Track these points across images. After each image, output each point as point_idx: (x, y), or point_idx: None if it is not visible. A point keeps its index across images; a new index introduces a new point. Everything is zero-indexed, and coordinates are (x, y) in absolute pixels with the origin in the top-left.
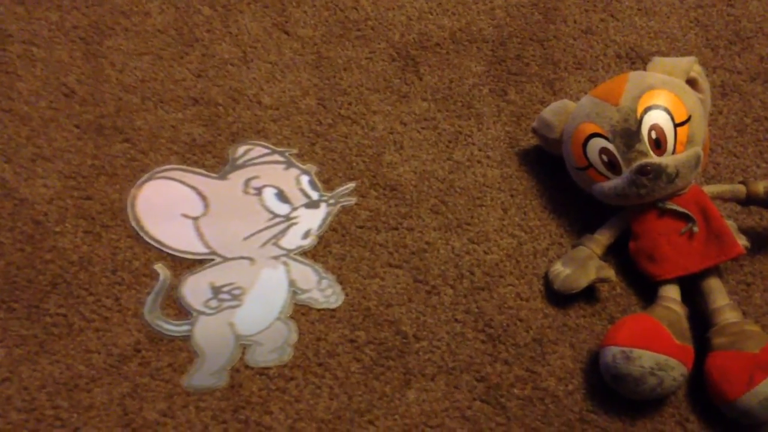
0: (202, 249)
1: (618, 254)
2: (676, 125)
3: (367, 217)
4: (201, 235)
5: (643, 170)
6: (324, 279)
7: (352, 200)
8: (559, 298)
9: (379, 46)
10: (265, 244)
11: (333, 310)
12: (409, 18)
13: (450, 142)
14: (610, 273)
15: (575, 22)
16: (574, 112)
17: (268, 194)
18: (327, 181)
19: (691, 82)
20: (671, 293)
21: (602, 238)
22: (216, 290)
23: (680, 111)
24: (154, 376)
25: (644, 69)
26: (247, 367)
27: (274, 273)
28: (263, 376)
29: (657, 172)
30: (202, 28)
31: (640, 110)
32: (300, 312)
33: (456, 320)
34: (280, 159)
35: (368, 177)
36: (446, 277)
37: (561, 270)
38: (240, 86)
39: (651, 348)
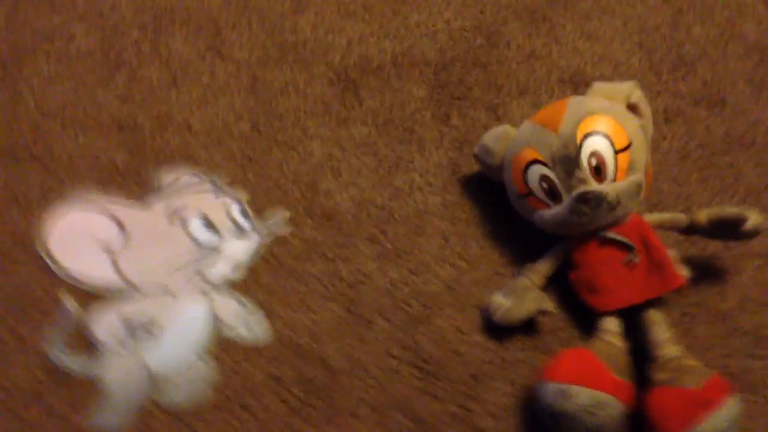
0: (118, 282)
1: (559, 285)
2: (616, 152)
3: (302, 247)
4: (118, 268)
5: (583, 198)
6: (252, 314)
7: (287, 229)
8: (498, 330)
9: (318, 69)
10: (189, 277)
11: (260, 347)
12: (350, 41)
13: (390, 168)
14: (550, 305)
15: (518, 46)
16: (514, 139)
17: (195, 224)
18: (260, 210)
19: (632, 108)
20: (612, 326)
21: (543, 267)
22: (131, 327)
23: (620, 137)
24: (57, 417)
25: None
26: (160, 408)
27: (196, 308)
28: (179, 418)
29: (598, 200)
30: (130, 51)
31: (579, 136)
32: (223, 349)
33: (391, 355)
34: (210, 187)
35: (304, 205)
36: (382, 309)
37: (502, 302)
38: (169, 110)
39: (588, 384)
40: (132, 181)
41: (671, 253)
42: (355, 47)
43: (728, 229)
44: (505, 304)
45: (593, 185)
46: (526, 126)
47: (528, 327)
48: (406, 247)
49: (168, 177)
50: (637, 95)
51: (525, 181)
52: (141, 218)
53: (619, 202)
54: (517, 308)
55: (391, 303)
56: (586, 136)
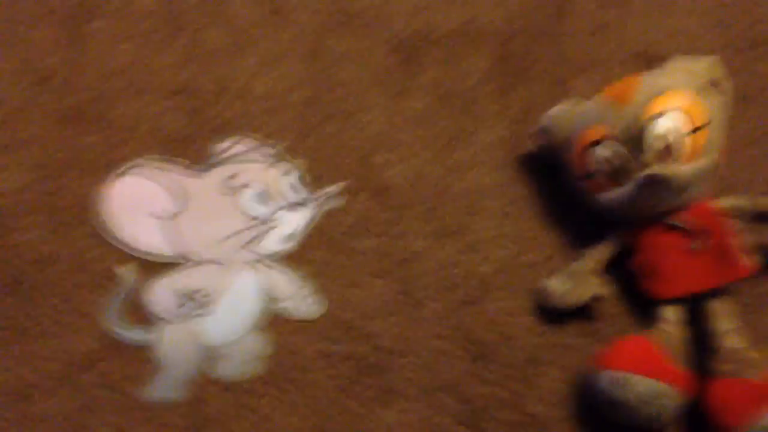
0: (171, 252)
1: (617, 271)
2: (691, 131)
3: (354, 221)
4: (171, 237)
5: (649, 180)
6: (302, 287)
7: (340, 202)
8: (552, 315)
9: (380, 37)
10: (241, 247)
11: (310, 321)
12: (415, 7)
13: (448, 142)
14: (606, 290)
15: (590, 17)
16: (579, 115)
17: (249, 193)
18: (314, 181)
19: (714, 84)
20: (672, 314)
21: (601, 253)
22: (184, 297)
23: (698, 115)
24: (111, 388)
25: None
26: (212, 380)
27: (248, 280)
28: (229, 391)
29: (665, 182)
30: (192, 13)
31: (653, 113)
32: (275, 323)
33: (441, 336)
34: (266, 155)
35: (359, 177)
36: (432, 289)
37: (558, 286)
38: (229, 75)
39: (645, 373)
40: (188, 147)
41: (742, 241)
42: (420, 14)
43: None
44: (562, 287)
45: (662, 166)
46: (594, 102)
47: (582, 313)
48: (459, 226)
49: (224, 144)
50: (719, 71)
51: (589, 161)
52: (195, 186)
53: (689, 185)
54: (574, 292)
55: (442, 283)
56: (660, 113)
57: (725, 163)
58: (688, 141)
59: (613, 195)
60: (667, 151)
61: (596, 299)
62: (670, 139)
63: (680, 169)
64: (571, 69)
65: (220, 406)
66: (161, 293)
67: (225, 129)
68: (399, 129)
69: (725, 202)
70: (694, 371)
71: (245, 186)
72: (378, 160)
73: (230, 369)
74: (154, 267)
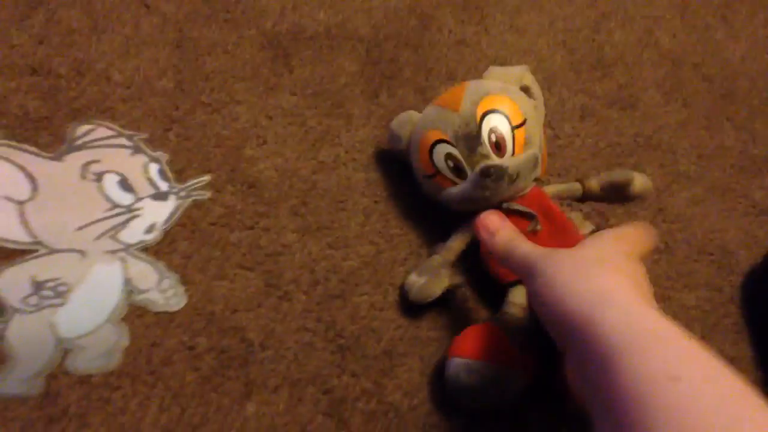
0: (25, 238)
1: (470, 262)
2: (513, 128)
3: (221, 213)
4: (25, 222)
5: (486, 172)
6: (165, 278)
7: (206, 194)
8: (413, 309)
9: (249, 32)
10: (100, 236)
11: (173, 313)
12: (284, 7)
13: (317, 140)
14: (460, 281)
15: (450, 31)
16: (418, 122)
17: (110, 181)
18: (179, 172)
19: (524, 90)
20: (518, 297)
21: (454, 244)
22: (37, 285)
23: (516, 114)
24: None
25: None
26: (67, 373)
27: (108, 269)
28: (85, 384)
29: (499, 172)
30: None
31: (479, 114)
32: (135, 314)
33: (306, 329)
34: (127, 143)
35: (226, 171)
36: (300, 282)
37: (415, 280)
38: (88, 58)
39: (490, 359)
40: (43, 130)
41: (575, 215)
42: (289, 14)
43: (618, 193)
44: (419, 281)
45: (495, 159)
46: (429, 109)
47: (441, 307)
48: (327, 222)
49: (82, 129)
50: (529, 78)
51: (431, 161)
52: (51, 170)
53: (518, 175)
54: (431, 285)
55: (309, 276)
56: (485, 114)
57: (546, 158)
58: (512, 136)
59: (456, 189)
60: (498, 146)
61: (455, 288)
62: (499, 134)
63: (511, 159)
64: (432, 79)
65: (74, 400)
66: (13, 281)
67: (83, 114)
68: (268, 124)
69: (553, 188)
70: (538, 351)
71: (106, 173)
72: (247, 153)
73: (86, 361)
74: (6, 253)
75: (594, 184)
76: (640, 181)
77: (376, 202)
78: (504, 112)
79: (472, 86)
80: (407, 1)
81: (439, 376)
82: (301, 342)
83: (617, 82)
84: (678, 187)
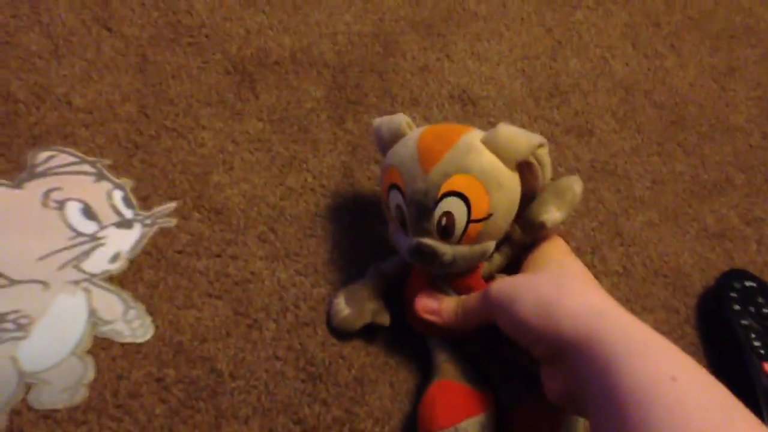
0: None
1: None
2: (470, 220)
3: (188, 241)
4: None
5: (419, 249)
6: (131, 309)
7: (172, 221)
8: (382, 334)
9: (213, 56)
10: (63, 266)
11: (140, 344)
12: (248, 31)
13: (284, 166)
14: (385, 318)
15: (413, 58)
16: (398, 146)
17: (72, 209)
18: (144, 199)
19: (525, 165)
20: (436, 344)
21: (388, 269)
22: None
23: (481, 208)
24: None
25: (476, 111)
26: (30, 408)
27: (71, 300)
28: (49, 419)
29: (432, 255)
30: (7, 13)
31: (442, 191)
32: (100, 346)
33: (277, 357)
34: (90, 170)
35: (192, 197)
36: (269, 310)
37: (341, 309)
38: (47, 83)
39: (471, 413)
40: (1, 156)
41: None
42: (254, 39)
43: (530, 228)
44: (343, 311)
45: (433, 242)
46: (410, 144)
47: (409, 331)
48: (296, 248)
49: (43, 155)
50: (541, 153)
51: (388, 196)
52: (11, 199)
53: (454, 263)
54: (352, 319)
55: (279, 304)
56: (448, 193)
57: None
58: (465, 227)
59: (397, 237)
60: (445, 231)
61: (377, 324)
62: (450, 221)
63: (447, 248)
64: (396, 104)
65: None
66: None
67: (43, 140)
68: (235, 150)
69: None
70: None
71: (69, 200)
72: (213, 179)
73: (50, 396)
74: None
75: (516, 232)
76: (547, 215)
77: (344, 228)
78: (470, 200)
79: (459, 148)
80: (371, 27)
81: (411, 404)
82: (271, 371)
83: (574, 109)
84: (634, 212)
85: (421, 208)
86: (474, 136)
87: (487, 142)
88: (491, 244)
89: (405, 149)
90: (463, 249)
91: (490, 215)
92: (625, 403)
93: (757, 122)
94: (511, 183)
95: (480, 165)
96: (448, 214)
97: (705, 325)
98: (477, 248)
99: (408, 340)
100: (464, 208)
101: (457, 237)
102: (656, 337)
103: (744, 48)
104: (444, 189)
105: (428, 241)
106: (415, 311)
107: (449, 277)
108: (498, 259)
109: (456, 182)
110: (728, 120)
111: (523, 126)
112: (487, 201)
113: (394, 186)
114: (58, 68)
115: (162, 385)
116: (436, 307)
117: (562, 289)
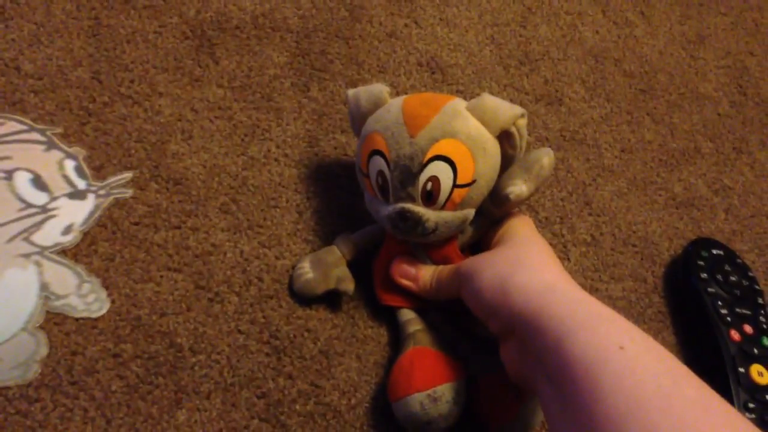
0: None
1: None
2: (455, 185)
3: (145, 212)
4: None
5: (402, 215)
6: (86, 283)
7: (128, 192)
8: (349, 306)
9: (170, 20)
10: (13, 238)
11: (95, 319)
12: None
13: (246, 135)
14: (349, 286)
15: (380, 24)
16: (379, 112)
17: (22, 179)
18: (98, 169)
19: (505, 135)
20: (411, 314)
21: (358, 240)
22: None
23: (467, 173)
24: None
25: (444, 79)
26: None
27: (21, 274)
28: (0, 397)
29: (415, 221)
30: None
31: (428, 155)
32: (53, 321)
33: (239, 331)
34: (40, 138)
35: (149, 167)
36: (232, 283)
37: (305, 271)
38: None
39: (447, 379)
40: None
41: None
42: (213, 1)
43: (497, 200)
44: (307, 274)
45: (418, 207)
46: (394, 110)
47: (378, 305)
48: (259, 220)
49: None
50: (520, 124)
51: (367, 163)
52: None
53: (436, 230)
54: (315, 283)
55: (242, 276)
56: (434, 158)
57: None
58: (450, 192)
59: (375, 205)
60: (430, 195)
61: (340, 293)
62: (436, 185)
63: (431, 214)
64: (363, 72)
65: None
66: None
67: None
68: (194, 118)
69: (460, 240)
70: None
71: (17, 170)
72: (171, 149)
73: (1, 373)
74: None
75: (487, 202)
76: (513, 189)
77: (309, 198)
78: (456, 164)
79: (445, 114)
80: None
81: (378, 377)
82: (233, 345)
83: (543, 77)
84: (603, 181)
85: (406, 173)
86: (459, 102)
87: (472, 110)
88: (472, 212)
89: (389, 114)
90: (446, 215)
91: (474, 181)
92: (575, 375)
93: (725, 91)
94: (495, 150)
95: (467, 130)
96: (434, 179)
97: (673, 293)
98: (459, 214)
99: (375, 313)
100: (450, 173)
101: (441, 203)
102: (604, 310)
103: (714, 16)
104: (431, 153)
105: (412, 206)
106: (392, 275)
107: (427, 248)
108: (470, 231)
109: (443, 146)
110: (697, 89)
111: (492, 94)
112: (473, 167)
113: (376, 152)
114: (6, 31)
115: (119, 360)
116: (414, 273)
117: (518, 265)
